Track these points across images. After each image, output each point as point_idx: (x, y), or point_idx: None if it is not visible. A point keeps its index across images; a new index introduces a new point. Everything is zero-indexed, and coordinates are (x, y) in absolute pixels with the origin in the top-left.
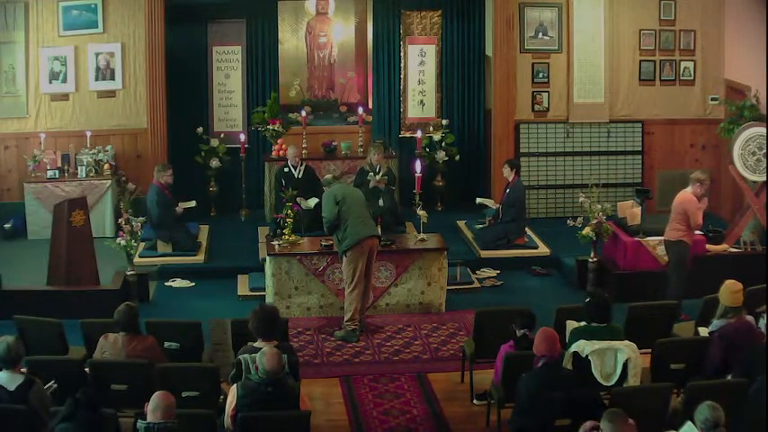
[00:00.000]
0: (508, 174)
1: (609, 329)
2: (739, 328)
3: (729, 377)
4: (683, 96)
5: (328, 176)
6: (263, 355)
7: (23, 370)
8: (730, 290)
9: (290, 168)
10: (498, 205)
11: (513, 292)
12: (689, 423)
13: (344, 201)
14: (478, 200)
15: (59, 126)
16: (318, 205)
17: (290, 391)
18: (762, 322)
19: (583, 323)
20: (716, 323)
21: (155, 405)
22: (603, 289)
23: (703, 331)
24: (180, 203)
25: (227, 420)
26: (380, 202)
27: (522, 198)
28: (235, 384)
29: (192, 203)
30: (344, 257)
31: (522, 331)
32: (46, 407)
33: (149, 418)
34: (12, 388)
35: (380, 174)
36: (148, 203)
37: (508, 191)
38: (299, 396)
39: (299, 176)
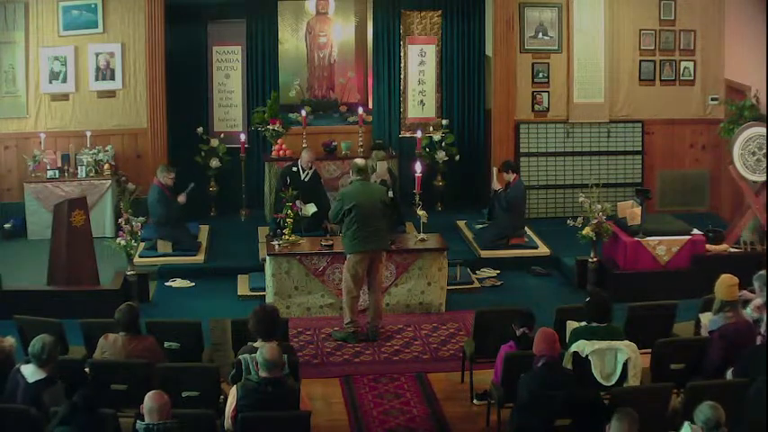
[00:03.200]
0: (508, 177)
1: (609, 329)
2: (739, 327)
3: (729, 373)
4: (683, 96)
5: (360, 162)
6: (262, 347)
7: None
8: (726, 284)
9: (298, 169)
10: (500, 188)
11: (513, 292)
12: (687, 424)
13: (352, 210)
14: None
15: (59, 126)
16: (316, 213)
17: (290, 392)
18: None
19: (583, 323)
20: (713, 318)
21: (149, 407)
22: (603, 289)
23: (705, 318)
24: (179, 195)
25: (228, 422)
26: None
27: (521, 197)
28: (235, 385)
29: (191, 185)
30: (347, 258)
31: (521, 330)
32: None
33: (146, 420)
34: (31, 380)
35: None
36: (149, 203)
37: (508, 190)
38: (299, 396)
39: (306, 180)
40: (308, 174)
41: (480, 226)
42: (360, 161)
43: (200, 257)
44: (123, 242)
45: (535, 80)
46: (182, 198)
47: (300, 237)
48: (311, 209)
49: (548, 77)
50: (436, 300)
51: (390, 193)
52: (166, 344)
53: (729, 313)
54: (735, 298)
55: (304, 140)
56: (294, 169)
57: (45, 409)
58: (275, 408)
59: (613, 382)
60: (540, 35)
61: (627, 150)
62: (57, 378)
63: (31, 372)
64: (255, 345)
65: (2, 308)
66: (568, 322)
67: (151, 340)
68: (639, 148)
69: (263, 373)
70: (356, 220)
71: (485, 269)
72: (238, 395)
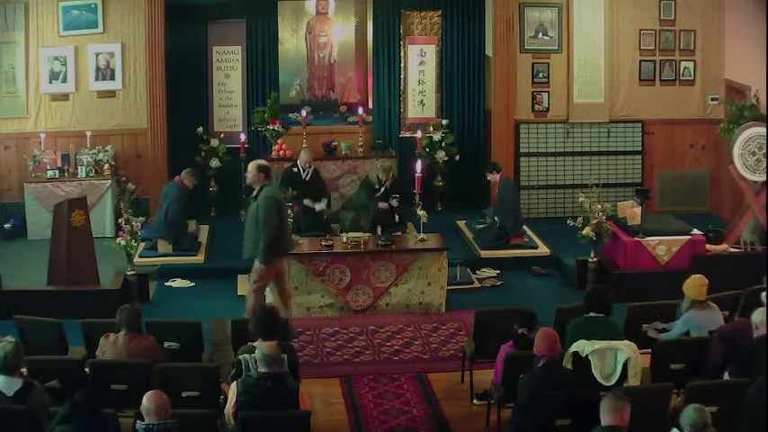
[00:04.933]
0: (494, 178)
1: (606, 322)
2: (739, 327)
3: (726, 374)
4: (683, 96)
5: (266, 163)
6: (261, 344)
7: (23, 371)
8: (698, 283)
9: (298, 169)
10: (493, 210)
11: (513, 292)
12: (675, 430)
13: (281, 211)
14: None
15: (59, 126)
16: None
17: (290, 388)
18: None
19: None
20: (686, 315)
21: (147, 407)
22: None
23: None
24: (190, 222)
25: (228, 417)
26: (394, 203)
27: (511, 195)
28: (235, 382)
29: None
30: (262, 264)
31: (520, 330)
32: (46, 409)
33: (146, 420)
34: (10, 393)
35: (387, 183)
36: (168, 199)
37: (499, 192)
38: (299, 393)
39: (307, 178)
40: (308, 173)
41: (480, 226)
42: (263, 162)
43: (200, 257)
44: (123, 242)
45: (535, 80)
46: (191, 228)
47: (300, 237)
48: (321, 205)
49: (548, 77)
50: (436, 300)
51: (397, 218)
52: (166, 344)
53: (701, 310)
54: (703, 297)
55: (304, 140)
56: (295, 170)
57: (33, 413)
58: (275, 403)
59: (613, 382)
60: (540, 35)
61: (627, 150)
62: (32, 380)
63: (5, 384)
64: (255, 344)
65: (2, 308)
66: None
67: (151, 340)
68: (639, 148)
69: (262, 369)
70: (282, 225)
71: (485, 269)
72: (238, 390)
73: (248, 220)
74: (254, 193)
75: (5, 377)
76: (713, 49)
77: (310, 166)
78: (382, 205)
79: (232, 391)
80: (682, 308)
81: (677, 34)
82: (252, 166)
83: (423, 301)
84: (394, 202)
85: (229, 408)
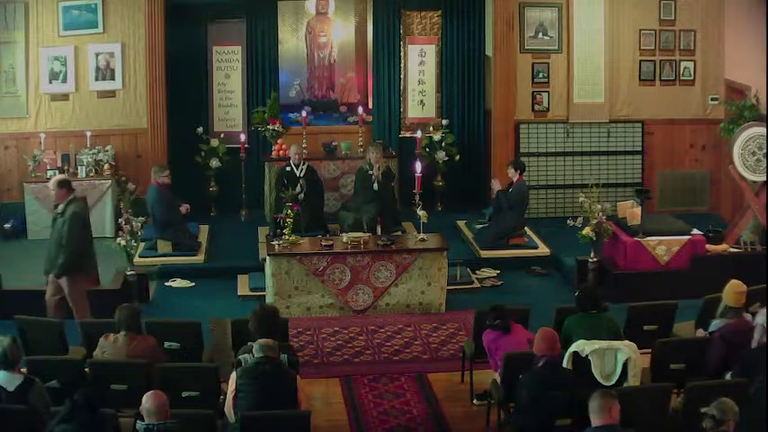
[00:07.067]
0: (513, 174)
1: (603, 317)
2: (739, 328)
3: (728, 375)
4: (683, 96)
5: (67, 177)
6: (258, 339)
7: (23, 370)
8: (735, 290)
9: (292, 167)
10: (500, 189)
11: (513, 292)
12: None
13: (86, 228)
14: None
15: (59, 126)
16: (316, 211)
17: (288, 374)
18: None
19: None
20: (715, 322)
21: (147, 408)
22: (603, 289)
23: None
24: (183, 204)
25: (229, 409)
26: (375, 186)
27: (523, 197)
28: (234, 371)
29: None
30: (69, 279)
31: (497, 321)
32: (47, 407)
33: (146, 420)
34: (11, 388)
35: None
36: (150, 204)
37: (511, 190)
38: (297, 382)
39: (301, 175)
40: (302, 169)
41: (480, 226)
42: (64, 177)
43: (200, 257)
44: (123, 242)
45: (535, 80)
46: (183, 209)
47: (300, 237)
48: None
49: (548, 77)
50: (436, 300)
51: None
52: (166, 344)
53: (732, 320)
54: (741, 305)
55: (304, 140)
56: (288, 169)
57: (34, 410)
58: (273, 387)
59: (613, 382)
60: (540, 35)
61: (627, 150)
62: (33, 377)
63: (6, 379)
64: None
65: (2, 308)
66: None
67: (151, 340)
68: (639, 148)
69: (258, 354)
70: (87, 242)
71: (485, 269)
72: (237, 376)
73: (53, 236)
74: (61, 209)
75: (6, 372)
76: (713, 49)
77: (303, 162)
78: (374, 173)
79: (232, 380)
80: (717, 312)
81: (677, 34)
82: (53, 183)
83: (423, 301)
84: (377, 172)
85: (229, 398)
